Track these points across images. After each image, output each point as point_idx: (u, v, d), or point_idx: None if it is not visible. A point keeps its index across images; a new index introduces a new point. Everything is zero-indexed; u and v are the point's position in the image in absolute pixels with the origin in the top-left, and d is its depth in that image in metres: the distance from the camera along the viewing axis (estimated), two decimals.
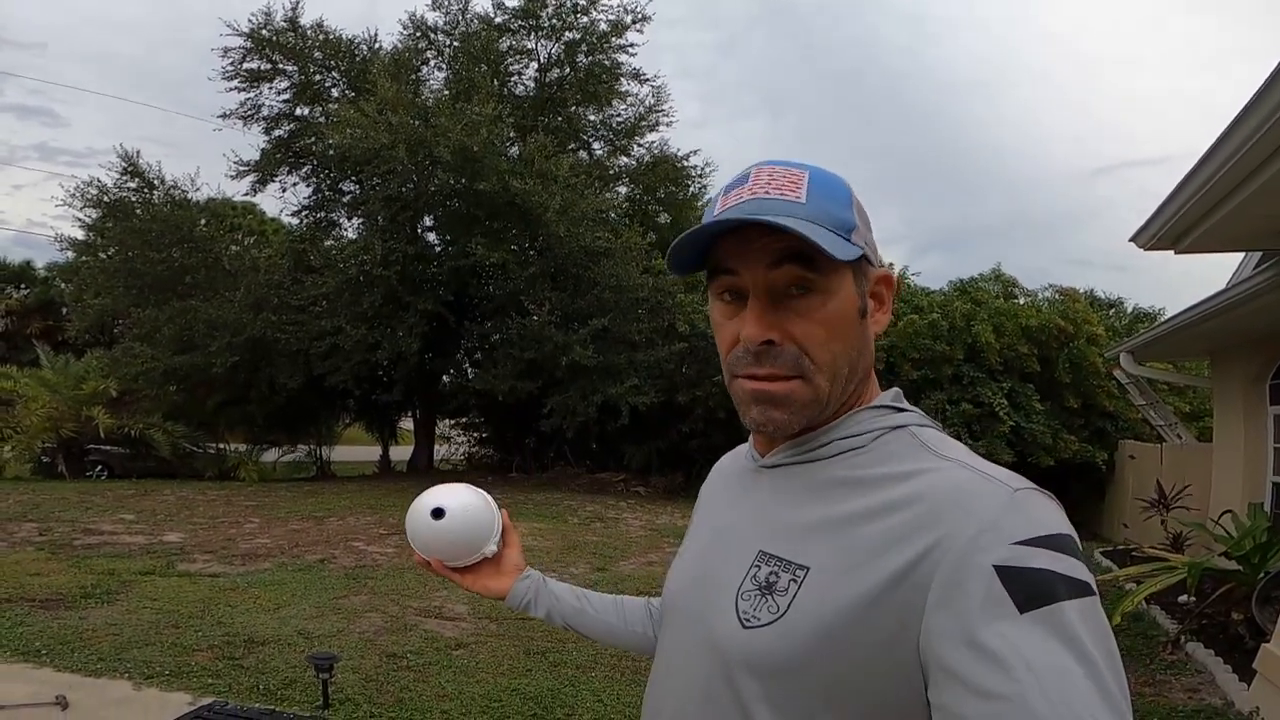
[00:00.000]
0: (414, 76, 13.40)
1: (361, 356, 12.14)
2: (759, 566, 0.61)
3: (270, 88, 13.74)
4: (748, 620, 0.59)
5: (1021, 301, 13.35)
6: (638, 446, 13.78)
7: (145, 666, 3.54)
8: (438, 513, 0.91)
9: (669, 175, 14.70)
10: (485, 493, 1.00)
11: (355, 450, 19.05)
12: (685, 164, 14.94)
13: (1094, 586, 0.51)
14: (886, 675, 0.53)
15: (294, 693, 3.34)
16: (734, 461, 0.79)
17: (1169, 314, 10.09)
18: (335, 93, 13.81)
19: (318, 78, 13.73)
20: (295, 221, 14.95)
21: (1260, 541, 4.14)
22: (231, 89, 13.60)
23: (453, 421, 17.74)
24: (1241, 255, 5.79)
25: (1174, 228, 3.54)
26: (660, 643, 0.74)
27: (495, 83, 12.63)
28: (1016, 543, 0.50)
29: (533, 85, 14.48)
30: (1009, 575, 0.49)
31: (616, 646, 0.97)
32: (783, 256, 0.58)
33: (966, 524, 0.52)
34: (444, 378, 15.65)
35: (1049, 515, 0.53)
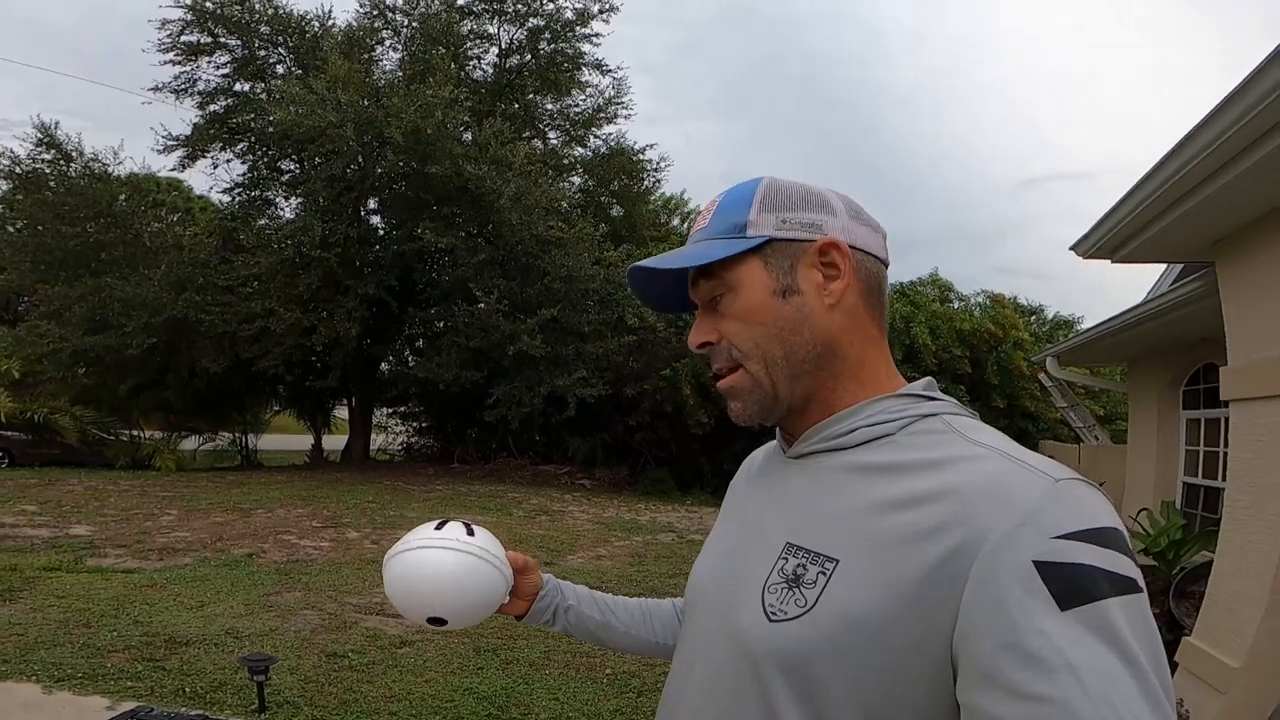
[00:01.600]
0: (367, 56, 12.91)
1: (295, 340, 11.65)
2: (786, 559, 0.60)
3: (209, 61, 13.02)
4: (774, 614, 0.57)
5: (956, 306, 13.96)
6: (583, 439, 13.70)
7: (55, 669, 3.25)
8: (436, 622, 0.80)
9: (624, 168, 14.61)
10: (477, 541, 0.82)
11: (285, 439, 18.23)
12: (640, 157, 14.90)
13: (1141, 584, 0.49)
14: (916, 672, 0.51)
15: (225, 696, 3.12)
16: (764, 454, 0.78)
17: (1086, 322, 10.72)
18: (280, 69, 13.18)
19: (262, 53, 13.06)
20: (227, 199, 14.22)
21: (1175, 538, 4.41)
22: (166, 62, 12.83)
23: (391, 410, 17.20)
24: (1162, 268, 6.17)
25: (1115, 238, 3.72)
26: (682, 636, 0.72)
27: (453, 66, 12.24)
28: (1058, 537, 0.48)
29: (491, 70, 14.16)
30: (1049, 571, 0.47)
31: (643, 654, 0.95)
32: (696, 276, 0.68)
33: (1005, 516, 0.50)
34: (383, 365, 15.15)
35: (1093, 508, 0.51)
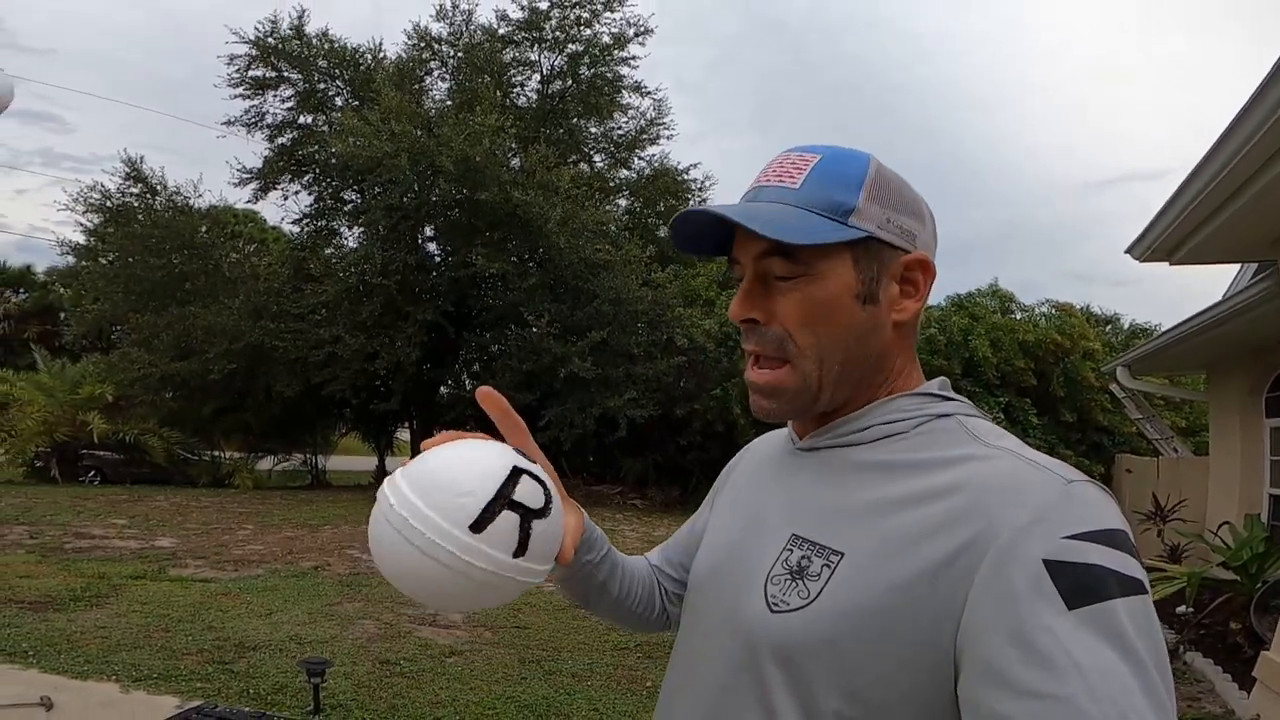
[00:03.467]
0: (417, 86, 13.48)
1: (359, 366, 12.10)
2: (791, 550, 0.59)
3: (275, 95, 13.82)
4: (776, 605, 0.57)
5: (1018, 316, 13.43)
6: (635, 459, 13.74)
7: (133, 669, 3.50)
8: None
9: (669, 188, 14.77)
10: (519, 563, 0.57)
11: (351, 460, 18.96)
12: (685, 177, 15.03)
13: (1147, 585, 0.49)
14: (917, 667, 0.51)
15: (284, 698, 3.30)
16: (768, 445, 0.76)
17: (1165, 328, 10.14)
18: (339, 101, 13.88)
19: (321, 86, 13.80)
20: (296, 230, 14.97)
21: (1258, 551, 4.15)
22: (236, 96, 13.69)
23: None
24: (1238, 267, 5.83)
25: (1168, 240, 3.57)
26: (683, 625, 0.72)
27: (498, 93, 12.69)
28: (1067, 536, 0.48)
29: (535, 96, 14.59)
30: (1058, 570, 0.47)
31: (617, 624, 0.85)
32: (765, 245, 0.59)
33: (1015, 515, 0.49)
34: (442, 388, 15.61)
35: (1103, 510, 0.51)
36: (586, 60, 13.90)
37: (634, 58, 14.19)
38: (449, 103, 13.02)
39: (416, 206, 12.30)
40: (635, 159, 15.09)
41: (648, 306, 12.00)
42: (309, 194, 14.39)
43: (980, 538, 0.50)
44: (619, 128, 14.96)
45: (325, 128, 13.46)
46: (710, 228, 0.63)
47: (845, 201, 0.58)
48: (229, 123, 13.82)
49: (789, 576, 0.58)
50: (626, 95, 14.56)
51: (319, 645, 4.15)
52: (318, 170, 13.95)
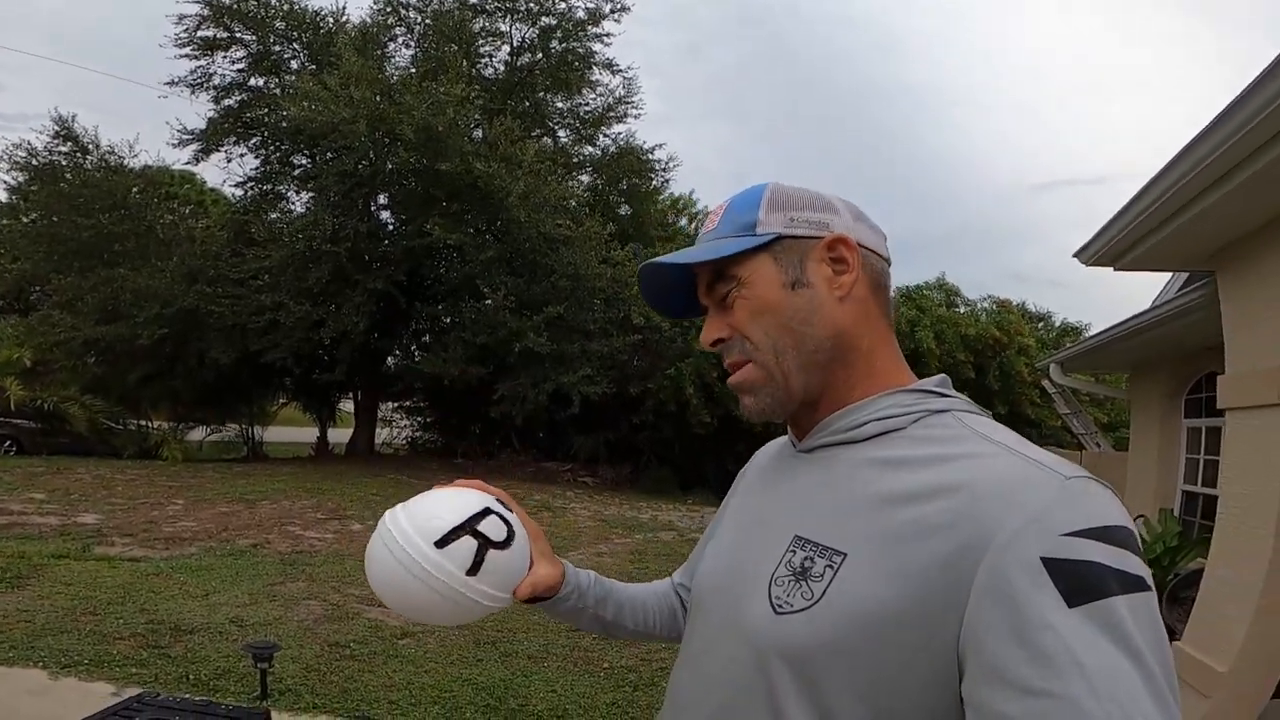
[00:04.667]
0: (380, 52, 12.98)
1: (303, 334, 11.72)
2: (794, 551, 0.60)
3: (225, 56, 13.15)
4: (780, 606, 0.57)
5: (962, 310, 13.94)
6: (587, 436, 13.75)
7: (61, 655, 3.32)
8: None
9: (633, 167, 14.67)
10: (476, 583, 0.68)
11: (290, 431, 18.34)
12: (650, 157, 14.95)
13: (1149, 582, 0.49)
14: (923, 666, 0.51)
15: (228, 683, 3.18)
16: (771, 451, 0.79)
17: (1094, 329, 10.69)
18: (295, 65, 13.29)
19: (277, 48, 13.17)
20: (239, 193, 14.32)
21: (1170, 545, 4.42)
22: (182, 56, 12.96)
23: (396, 404, 17.29)
24: (1168, 276, 6.16)
25: (1116, 246, 3.73)
26: (689, 628, 0.73)
27: (465, 63, 12.32)
28: (1066, 534, 0.48)
29: (503, 68, 14.24)
30: (1057, 568, 0.47)
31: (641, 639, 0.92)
32: (707, 278, 0.69)
33: (1014, 513, 0.50)
34: (389, 359, 15.23)
35: (1103, 506, 0.50)
36: (559, 34, 13.63)
37: (608, 34, 14.00)
38: (413, 70, 12.57)
39: (372, 174, 11.90)
40: (601, 136, 14.92)
41: (606, 284, 11.95)
42: (255, 157, 13.78)
43: (979, 536, 0.50)
44: (586, 104, 14.77)
45: (277, 91, 12.86)
46: (675, 288, 0.73)
47: (749, 219, 0.67)
48: (172, 83, 13.09)
49: (793, 578, 0.58)
50: (597, 72, 14.35)
51: (262, 628, 4.02)
52: (266, 133, 13.33)
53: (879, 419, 0.62)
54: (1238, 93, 2.32)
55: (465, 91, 11.06)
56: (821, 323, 0.64)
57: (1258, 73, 2.27)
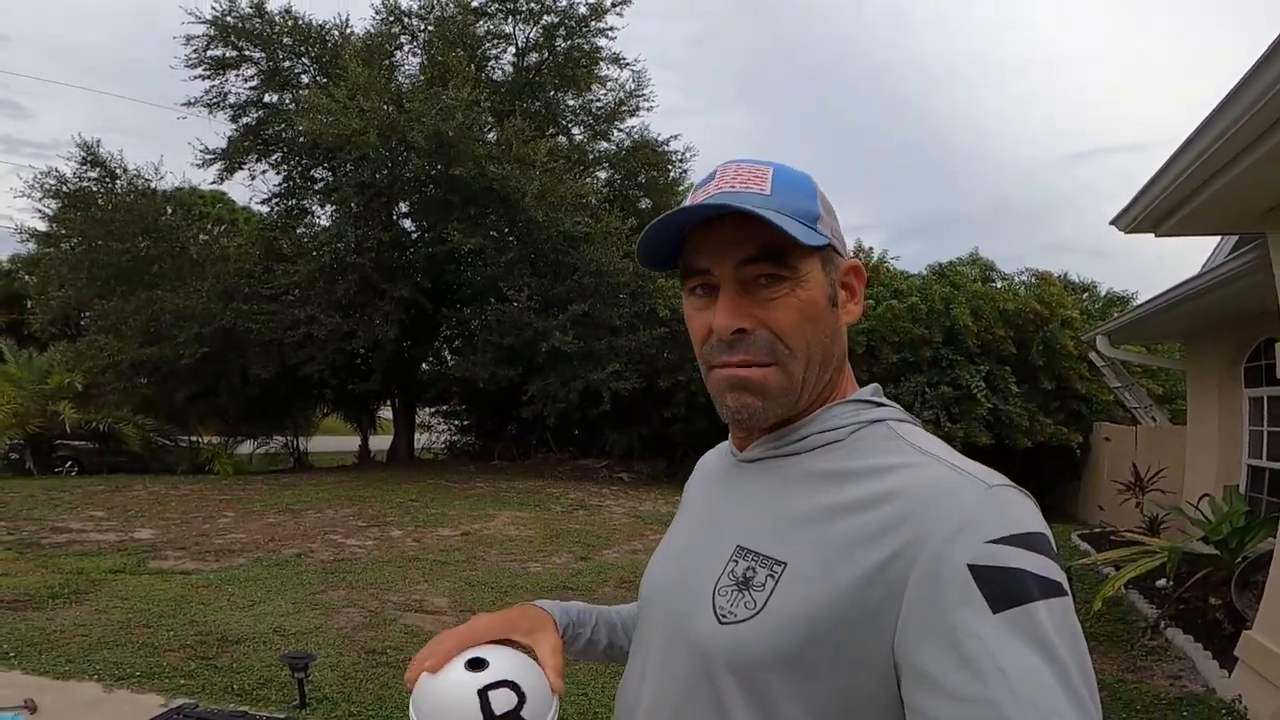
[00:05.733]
0: (387, 62, 13.13)
1: (337, 345, 11.97)
2: (736, 561, 0.60)
3: (237, 75, 13.41)
4: (724, 616, 0.58)
5: (998, 285, 13.49)
6: (620, 432, 13.75)
7: (116, 668, 3.43)
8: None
9: (649, 160, 14.59)
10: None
11: (333, 440, 18.80)
12: (665, 149, 14.84)
13: (1066, 587, 0.51)
14: (863, 672, 0.52)
15: (270, 692, 3.26)
16: (714, 458, 0.78)
17: (1141, 298, 10.25)
18: (305, 79, 13.50)
19: (286, 64, 13.40)
20: (265, 209, 14.65)
21: (1237, 526, 4.17)
22: (195, 77, 13.26)
23: (433, 409, 17.57)
24: (1217, 240, 5.85)
25: (1155, 211, 3.54)
26: (637, 636, 0.73)
27: (472, 67, 12.40)
28: (991, 541, 0.50)
29: (510, 70, 14.26)
30: (983, 574, 0.49)
31: None
32: (751, 250, 0.60)
33: (943, 522, 0.51)
34: (423, 365, 15.48)
35: (1024, 513, 0.53)
36: (562, 32, 13.58)
37: (611, 29, 13.88)
38: (420, 77, 12.68)
39: (390, 183, 12.05)
40: (614, 131, 14.86)
41: (629, 278, 11.92)
42: (277, 173, 14.05)
43: (911, 545, 0.52)
44: (597, 100, 14.69)
45: (291, 106, 13.09)
46: (670, 237, 0.63)
47: (812, 209, 0.62)
48: (189, 104, 13.39)
49: (735, 588, 0.59)
50: (604, 67, 14.27)
51: (303, 636, 4.10)
52: (285, 149, 13.59)
53: (819, 431, 0.63)
54: (1270, 44, 2.15)
55: (473, 95, 11.11)
56: (838, 344, 0.65)
57: None
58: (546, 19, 13.55)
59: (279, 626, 4.25)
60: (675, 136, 17.43)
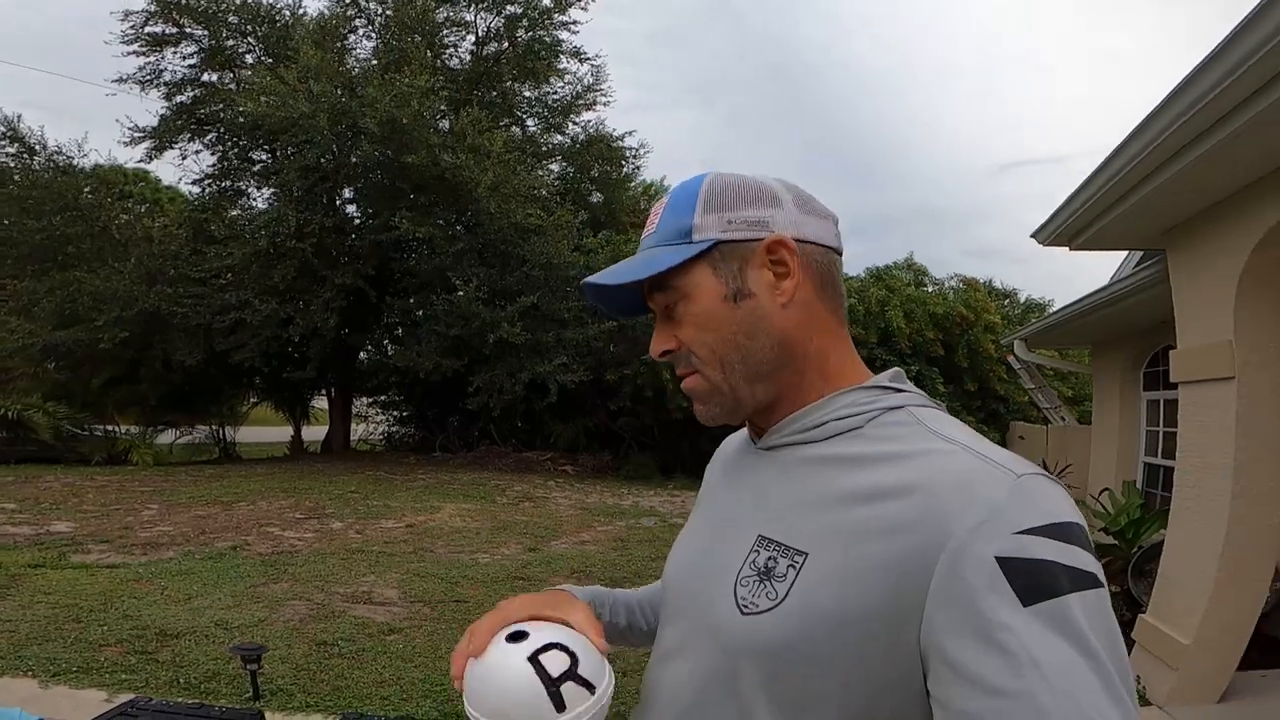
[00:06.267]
0: (340, 45, 12.71)
1: (272, 332, 11.56)
2: (758, 552, 0.60)
3: (175, 52, 12.76)
4: (746, 607, 0.58)
5: (930, 289, 14.21)
6: (565, 425, 13.78)
7: (49, 664, 3.30)
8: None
9: (603, 154, 14.64)
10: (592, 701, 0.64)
11: (262, 431, 18.06)
12: (620, 144, 14.90)
13: (1100, 578, 0.50)
14: (886, 665, 0.52)
15: (219, 685, 3.20)
16: (736, 443, 0.77)
17: (1058, 304, 10.98)
18: (250, 59, 12.96)
19: (230, 43, 12.82)
20: (196, 190, 13.97)
21: (1134, 517, 4.54)
22: (130, 53, 12.55)
23: (371, 400, 17.12)
24: (1125, 254, 6.39)
25: (1071, 227, 3.88)
26: (660, 627, 0.73)
27: (429, 54, 12.14)
28: (1019, 532, 0.49)
29: (468, 58, 14.04)
30: (1011, 567, 0.48)
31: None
32: (649, 287, 0.67)
33: (968, 512, 0.50)
34: (362, 354, 15.06)
35: (1054, 502, 0.51)
36: (525, 23, 13.44)
37: (575, 22, 13.84)
38: (375, 63, 12.34)
39: (335, 168, 11.70)
40: (570, 124, 14.83)
41: (579, 271, 11.96)
42: (212, 153, 13.44)
43: (935, 535, 0.50)
44: (555, 92, 14.63)
45: (233, 86, 12.56)
46: (630, 289, 0.69)
47: (684, 224, 0.64)
48: (121, 80, 12.67)
49: (757, 578, 0.58)
50: (565, 60, 14.21)
51: (248, 629, 4.03)
52: (222, 129, 13.01)
53: (837, 419, 0.62)
54: (1182, 78, 2.44)
55: (430, 83, 10.91)
56: (766, 333, 0.63)
57: (1203, 57, 2.38)
58: (510, 9, 13.37)
59: (220, 620, 4.15)
60: (630, 132, 17.57)
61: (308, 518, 7.58)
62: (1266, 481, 2.97)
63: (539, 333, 11.63)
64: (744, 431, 0.74)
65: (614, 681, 0.66)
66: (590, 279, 0.67)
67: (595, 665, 0.65)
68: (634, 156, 15.22)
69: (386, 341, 14.70)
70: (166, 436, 15.65)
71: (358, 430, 16.76)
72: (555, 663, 0.63)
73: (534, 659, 0.63)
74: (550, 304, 11.86)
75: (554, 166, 15.07)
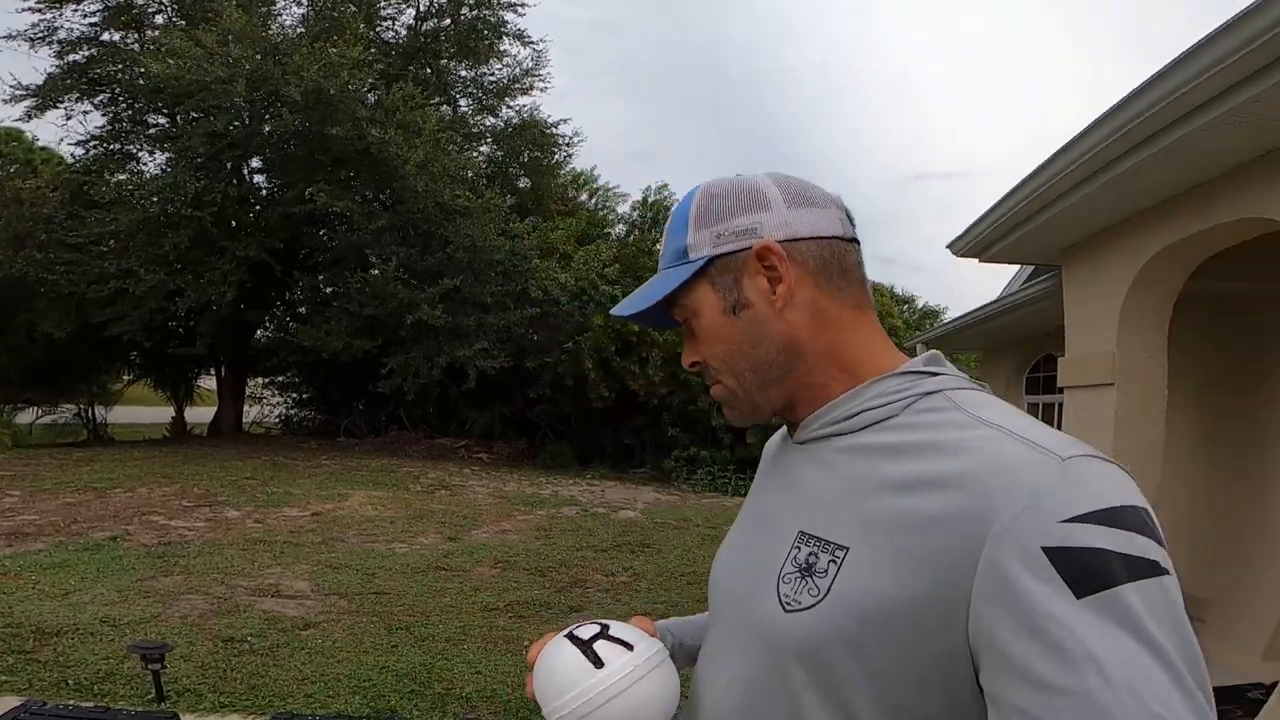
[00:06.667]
0: (266, 9, 11.80)
1: (156, 304, 10.67)
2: (799, 548, 0.59)
3: (76, 9, 11.46)
4: (789, 604, 0.57)
5: None
6: (481, 411, 13.49)
7: None
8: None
9: (535, 140, 14.38)
10: (639, 652, 0.69)
11: (139, 411, 16.55)
12: (553, 131, 14.68)
13: (1164, 564, 0.46)
14: (933, 659, 0.50)
15: (114, 687, 2.94)
16: (776, 442, 0.77)
17: (951, 312, 11.83)
18: (160, 19, 11.86)
19: (140, 1, 11.67)
20: (79, 152, 12.62)
21: None
22: (25, 9, 11.21)
23: (267, 381, 16.06)
24: (1015, 269, 6.99)
25: (985, 239, 4.21)
26: (708, 628, 0.73)
27: (363, 25, 11.53)
28: (1065, 520, 0.46)
29: (405, 33, 13.45)
30: (1060, 557, 0.45)
31: None
32: (667, 306, 0.69)
33: (1010, 500, 0.48)
34: (260, 332, 14.10)
35: (1105, 486, 0.48)
36: (471, 1, 13.02)
37: (522, 4, 13.51)
38: (302, 30, 11.55)
39: (246, 136, 10.91)
40: (504, 107, 14.47)
41: (504, 256, 11.74)
42: (102, 115, 12.20)
43: (977, 527, 0.48)
44: (491, 74, 14.22)
45: (136, 46, 11.45)
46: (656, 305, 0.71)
47: (681, 244, 0.67)
48: (9, 37, 11.33)
49: (799, 575, 0.58)
50: (507, 42, 13.85)
51: (139, 626, 3.71)
52: (117, 90, 11.87)
53: (870, 409, 0.60)
54: (1098, 115, 2.70)
55: (363, 55, 10.39)
56: (769, 339, 0.64)
57: (1114, 101, 2.64)
58: None
59: (105, 616, 3.80)
60: (565, 120, 17.33)
61: (197, 505, 7.04)
62: (1141, 478, 3.32)
63: (460, 316, 11.32)
64: (784, 429, 0.74)
65: (667, 655, 0.70)
66: (615, 310, 0.72)
67: (629, 631, 0.70)
68: (567, 144, 15.06)
69: (289, 319, 13.83)
70: (26, 416, 14.06)
71: (251, 412, 15.69)
72: (586, 630, 0.70)
73: (569, 634, 0.71)
74: (473, 288, 11.56)
75: (484, 149, 14.68)
